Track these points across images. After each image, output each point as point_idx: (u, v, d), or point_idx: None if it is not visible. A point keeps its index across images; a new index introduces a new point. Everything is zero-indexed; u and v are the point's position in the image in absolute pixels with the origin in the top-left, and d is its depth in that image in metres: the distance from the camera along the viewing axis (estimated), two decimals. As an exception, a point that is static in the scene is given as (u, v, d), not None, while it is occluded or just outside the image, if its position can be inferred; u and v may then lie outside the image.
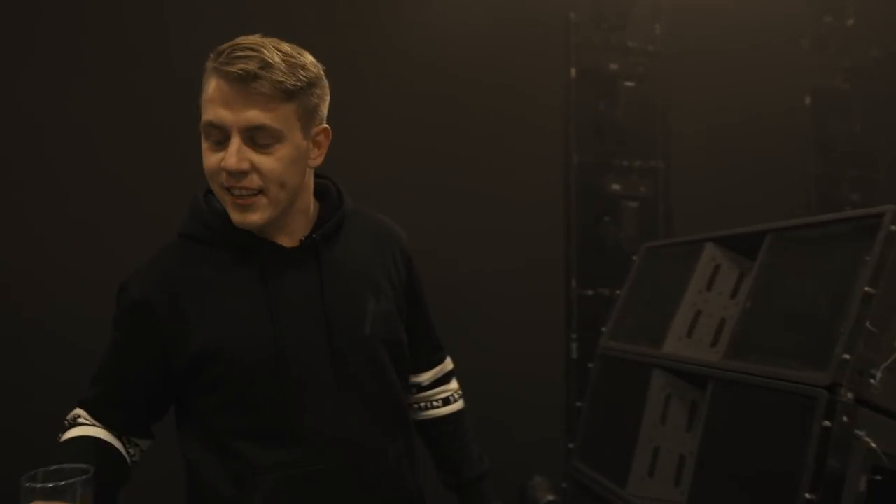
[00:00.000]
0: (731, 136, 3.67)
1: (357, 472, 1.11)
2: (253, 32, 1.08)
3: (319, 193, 1.18)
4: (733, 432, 1.69)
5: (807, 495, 1.37)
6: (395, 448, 1.18)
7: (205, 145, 1.04)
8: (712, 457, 1.72)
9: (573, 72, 3.67)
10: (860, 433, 1.38)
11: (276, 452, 1.07)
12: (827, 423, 1.38)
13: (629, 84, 3.62)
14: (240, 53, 0.98)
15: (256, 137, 1.00)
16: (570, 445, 2.37)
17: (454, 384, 1.40)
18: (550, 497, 2.98)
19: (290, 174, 1.05)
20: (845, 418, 1.38)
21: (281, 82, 0.99)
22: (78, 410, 1.13)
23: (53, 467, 0.92)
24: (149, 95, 2.85)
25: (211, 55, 1.01)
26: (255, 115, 0.99)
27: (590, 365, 2.40)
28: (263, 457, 1.07)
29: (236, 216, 1.05)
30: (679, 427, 2.02)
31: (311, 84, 1.04)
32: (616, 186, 3.60)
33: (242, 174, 1.01)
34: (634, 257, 2.50)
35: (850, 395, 1.39)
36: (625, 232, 3.54)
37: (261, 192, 1.03)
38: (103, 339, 1.14)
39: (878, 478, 1.39)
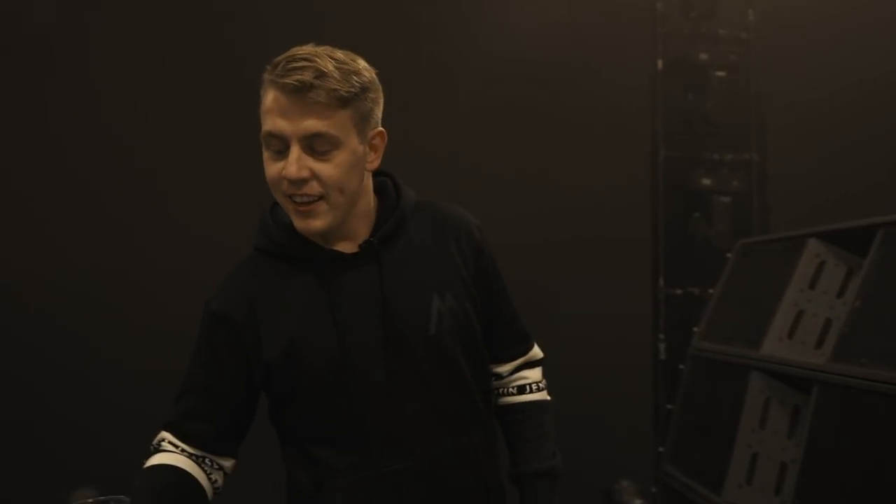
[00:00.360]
0: (832, 126, 3.45)
1: (429, 471, 1.13)
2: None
3: (377, 191, 1.19)
4: (841, 440, 1.59)
5: (929, 510, 1.27)
6: (471, 444, 1.18)
7: (266, 155, 1.06)
8: (818, 465, 1.63)
9: (660, 63, 3.55)
10: None
11: (350, 455, 1.11)
12: (951, 432, 1.28)
13: (720, 74, 3.47)
14: (295, 65, 1.00)
15: (315, 145, 1.03)
16: (661, 449, 2.30)
17: (535, 374, 1.31)
18: (638, 501, 2.90)
19: (349, 179, 1.07)
20: (973, 427, 1.27)
21: (336, 90, 1.01)
22: (163, 434, 1.14)
23: (90, 501, 0.97)
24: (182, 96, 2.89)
25: (267, 67, 1.03)
26: (312, 124, 1.01)
27: (680, 366, 2.33)
28: (338, 460, 1.11)
29: (299, 223, 1.08)
30: (780, 433, 1.92)
31: (365, 89, 1.06)
32: (706, 181, 3.46)
33: (303, 182, 1.04)
34: (728, 255, 2.40)
35: (978, 403, 1.28)
36: (716, 228, 3.39)
37: (321, 198, 1.05)
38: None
39: None
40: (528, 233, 3.13)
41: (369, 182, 1.15)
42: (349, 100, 1.03)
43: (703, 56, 3.53)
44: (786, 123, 3.49)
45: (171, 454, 1.12)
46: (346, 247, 1.13)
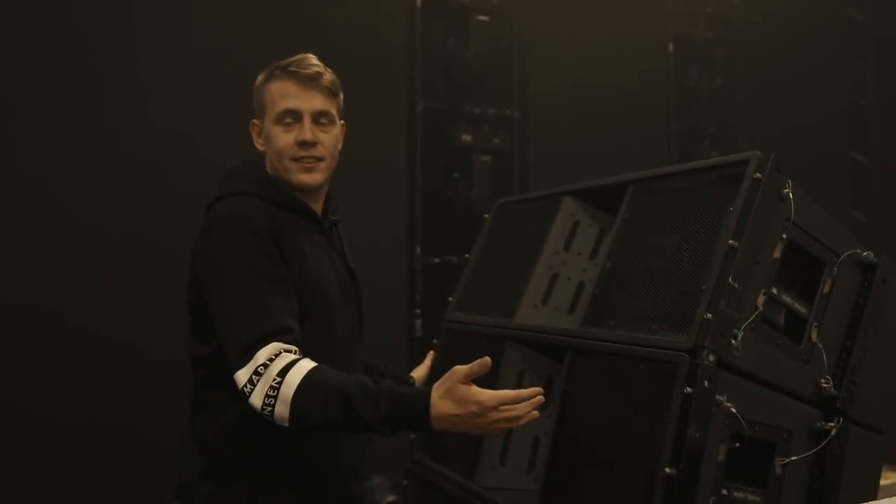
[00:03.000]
0: (591, 83, 3.82)
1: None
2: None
3: None
4: (592, 408, 1.75)
5: (667, 470, 1.44)
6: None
7: (277, 129, 1.63)
8: (568, 437, 1.77)
9: (418, 0, 3.62)
10: (721, 398, 1.47)
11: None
12: (688, 389, 1.46)
13: (482, 18, 3.65)
14: (309, 62, 1.66)
15: (321, 119, 1.65)
16: (412, 436, 2.36)
17: None
18: (391, 498, 2.97)
19: (336, 150, 1.71)
20: (707, 383, 1.46)
21: (334, 82, 1.68)
22: (275, 346, 1.43)
23: None
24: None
25: (275, 69, 1.66)
26: (321, 103, 1.64)
27: (435, 341, 2.40)
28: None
29: (305, 177, 1.64)
30: (533, 406, 2.07)
31: (340, 89, 1.72)
32: (467, 137, 3.63)
33: (312, 145, 1.63)
34: (487, 216, 2.52)
35: (711, 358, 1.48)
36: (476, 190, 3.59)
37: (321, 159, 1.65)
38: None
39: (738, 445, 1.49)
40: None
41: None
42: (337, 92, 1.70)
43: (465, -4, 3.67)
44: (546, 79, 3.78)
45: (305, 359, 1.45)
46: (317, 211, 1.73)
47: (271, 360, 1.41)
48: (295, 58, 1.67)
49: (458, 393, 1.38)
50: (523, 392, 1.42)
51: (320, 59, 3.59)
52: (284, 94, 1.62)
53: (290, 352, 1.44)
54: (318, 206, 1.73)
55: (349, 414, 1.38)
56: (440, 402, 1.38)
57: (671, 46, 4.19)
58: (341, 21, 3.48)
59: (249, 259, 1.51)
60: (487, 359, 1.40)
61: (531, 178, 3.76)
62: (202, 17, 3.22)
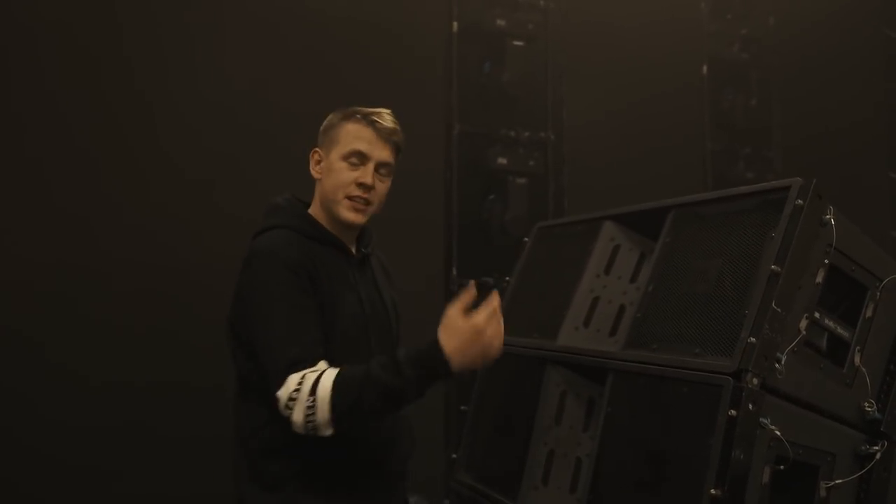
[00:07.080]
0: (626, 106, 3.87)
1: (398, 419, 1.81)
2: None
3: None
4: (634, 429, 1.79)
5: (712, 491, 1.48)
6: None
7: (342, 165, 1.78)
8: (612, 458, 1.82)
9: (455, 26, 3.70)
10: (765, 421, 1.51)
11: None
12: (732, 412, 1.50)
13: (518, 43, 3.71)
14: (387, 117, 1.80)
15: (381, 170, 1.80)
16: (454, 456, 2.41)
17: None
18: (429, 518, 3.01)
19: (384, 199, 1.84)
20: (751, 406, 1.50)
21: (401, 141, 1.82)
22: (303, 372, 1.57)
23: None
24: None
25: (354, 112, 1.80)
26: (388, 156, 1.80)
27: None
28: None
29: (352, 215, 1.78)
30: (575, 427, 2.11)
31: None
32: (502, 160, 3.68)
33: (370, 188, 1.77)
34: (526, 239, 2.57)
35: (755, 382, 1.52)
36: (511, 212, 3.63)
37: (370, 203, 1.79)
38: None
39: (782, 468, 1.52)
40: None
41: None
42: (401, 150, 1.85)
43: (501, 22, 3.74)
44: (581, 102, 3.84)
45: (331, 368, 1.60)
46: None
47: (301, 383, 1.56)
48: (377, 110, 1.82)
49: (456, 324, 1.54)
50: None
51: (358, 82, 3.74)
52: (359, 137, 1.77)
53: (315, 371, 1.59)
54: (351, 241, 1.86)
55: (381, 392, 1.53)
56: (447, 341, 1.53)
57: (705, 68, 4.22)
58: (379, 46, 3.57)
59: (282, 293, 1.67)
60: (472, 289, 1.60)
61: (566, 200, 3.80)
62: (248, 46, 3.33)
